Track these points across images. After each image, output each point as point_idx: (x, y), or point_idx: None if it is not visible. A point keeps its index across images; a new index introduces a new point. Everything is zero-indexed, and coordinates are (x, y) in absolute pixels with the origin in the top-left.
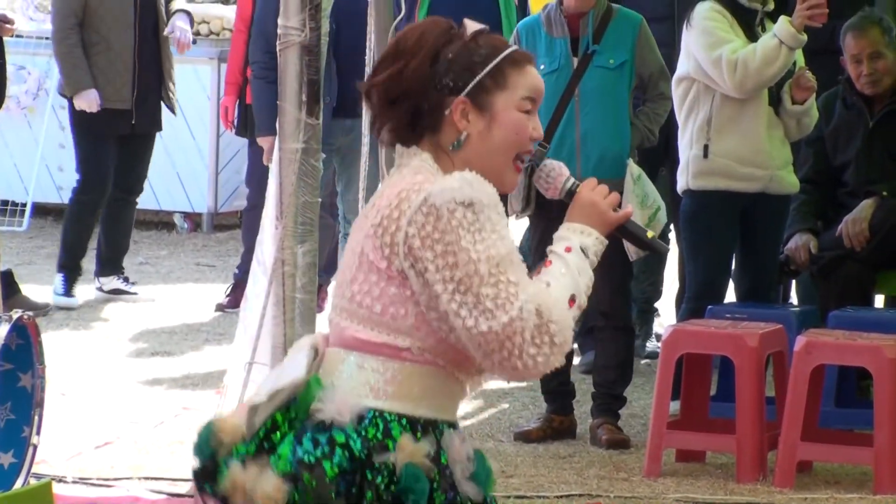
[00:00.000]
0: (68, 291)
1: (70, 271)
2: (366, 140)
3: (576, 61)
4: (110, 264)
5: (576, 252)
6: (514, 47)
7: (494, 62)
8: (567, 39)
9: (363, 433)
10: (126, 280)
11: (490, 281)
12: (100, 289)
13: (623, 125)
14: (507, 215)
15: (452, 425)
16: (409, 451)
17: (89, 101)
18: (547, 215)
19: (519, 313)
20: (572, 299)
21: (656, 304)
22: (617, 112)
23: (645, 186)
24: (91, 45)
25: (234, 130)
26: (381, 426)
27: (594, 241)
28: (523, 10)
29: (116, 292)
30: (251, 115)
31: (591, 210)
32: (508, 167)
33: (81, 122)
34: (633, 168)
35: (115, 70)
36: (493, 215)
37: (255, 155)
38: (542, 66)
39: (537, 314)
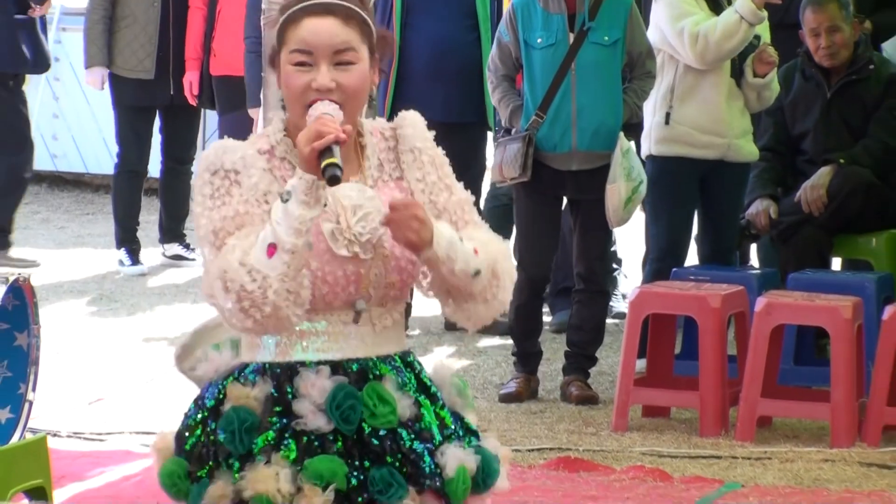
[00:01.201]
0: (135, 261)
1: (129, 243)
2: None
3: (572, 37)
4: (170, 232)
5: (276, 201)
6: (300, 6)
7: (279, 23)
8: (564, 15)
9: (221, 388)
10: (187, 247)
11: (207, 245)
12: (163, 254)
13: (617, 100)
14: (500, 181)
15: (309, 364)
16: (234, 395)
17: (94, 78)
18: (539, 182)
19: (210, 279)
20: (272, 247)
21: (623, 266)
22: (611, 87)
23: (632, 160)
24: (120, 19)
25: (197, 103)
26: (236, 378)
27: (297, 181)
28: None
29: (177, 258)
30: (216, 89)
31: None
32: (302, 119)
33: (115, 96)
34: (624, 142)
35: (139, 42)
36: (225, 183)
37: (225, 125)
38: (539, 41)
39: (221, 278)
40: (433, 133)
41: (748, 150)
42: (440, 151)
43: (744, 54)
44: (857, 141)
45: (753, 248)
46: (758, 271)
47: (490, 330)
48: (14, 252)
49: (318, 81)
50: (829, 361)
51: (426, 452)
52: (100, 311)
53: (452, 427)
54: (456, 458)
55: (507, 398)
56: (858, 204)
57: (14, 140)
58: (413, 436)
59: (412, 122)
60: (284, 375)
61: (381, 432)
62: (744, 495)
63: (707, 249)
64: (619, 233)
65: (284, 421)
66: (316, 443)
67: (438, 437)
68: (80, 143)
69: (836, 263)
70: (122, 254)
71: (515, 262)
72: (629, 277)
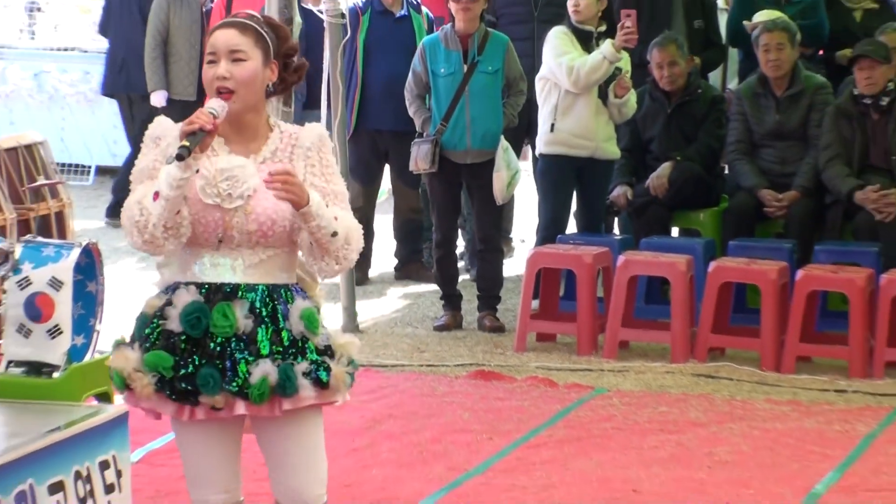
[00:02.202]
0: None
1: None
2: (324, 122)
3: (465, 67)
4: None
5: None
6: (216, 24)
7: None
8: (460, 52)
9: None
10: None
11: (132, 184)
12: None
13: (498, 112)
14: (416, 170)
15: (198, 287)
16: (146, 303)
17: (158, 98)
18: (444, 172)
19: (123, 209)
20: (156, 194)
21: (524, 234)
22: (495, 103)
23: (509, 155)
24: (170, 56)
25: None
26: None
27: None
28: (430, 31)
29: None
30: None
31: None
32: None
33: (166, 112)
34: (503, 142)
35: (184, 73)
36: (151, 145)
37: None
38: (442, 70)
39: (125, 209)
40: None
41: (611, 150)
42: (329, 154)
43: (608, 81)
44: (690, 144)
45: (616, 221)
46: (618, 237)
47: (427, 279)
48: (86, 224)
49: (218, 71)
50: (670, 301)
51: (243, 361)
52: (147, 266)
53: (287, 345)
54: (261, 371)
55: (439, 328)
56: (690, 189)
57: None
58: (242, 346)
59: (312, 131)
60: (172, 291)
61: (218, 339)
62: (609, 397)
63: (583, 222)
64: (518, 210)
65: (160, 321)
66: (172, 339)
67: (265, 351)
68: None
69: (675, 232)
70: None
71: (433, 228)
72: (526, 241)
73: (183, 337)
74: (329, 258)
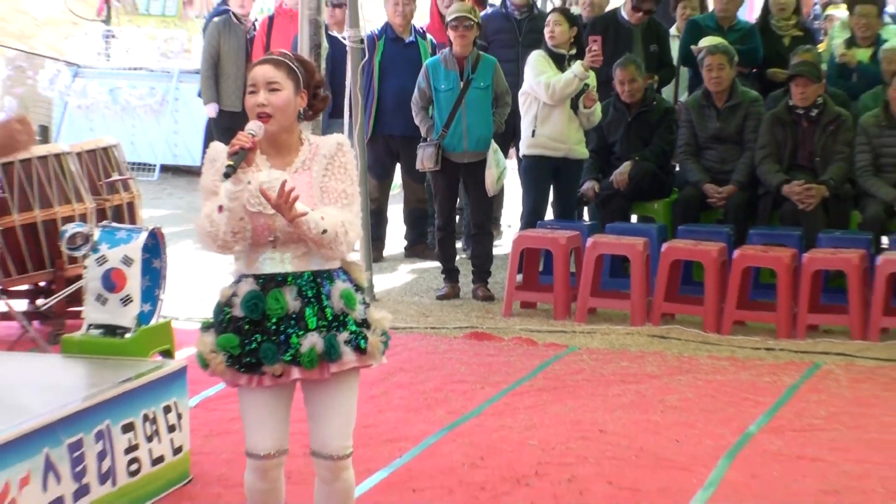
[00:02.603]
0: None
1: None
2: (346, 128)
3: (462, 84)
4: None
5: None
6: (254, 62)
7: None
8: (457, 71)
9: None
10: None
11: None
12: None
13: (489, 121)
14: (422, 169)
15: (255, 277)
16: (220, 291)
17: (211, 109)
18: (445, 170)
19: (196, 224)
20: (220, 207)
21: (510, 220)
22: (486, 113)
23: (498, 155)
24: (220, 75)
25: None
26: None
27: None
28: (434, 53)
29: None
30: None
31: None
32: None
33: (216, 120)
34: (493, 145)
35: (231, 89)
36: (207, 166)
37: None
38: (442, 86)
39: (198, 224)
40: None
41: (582, 151)
42: (343, 158)
43: (579, 95)
44: (646, 147)
45: (585, 210)
46: (587, 223)
47: (431, 257)
48: (152, 212)
49: (258, 100)
50: (630, 275)
51: (294, 335)
52: (201, 248)
53: (330, 319)
54: (310, 342)
55: (441, 297)
56: (647, 184)
57: None
58: (293, 323)
59: (331, 140)
60: (237, 282)
61: (273, 319)
62: (579, 354)
63: (558, 211)
64: (506, 200)
65: (228, 310)
66: (238, 323)
67: (313, 326)
68: (191, 147)
69: (634, 219)
70: None
71: (436, 215)
72: (512, 226)
73: (246, 320)
74: (324, 249)
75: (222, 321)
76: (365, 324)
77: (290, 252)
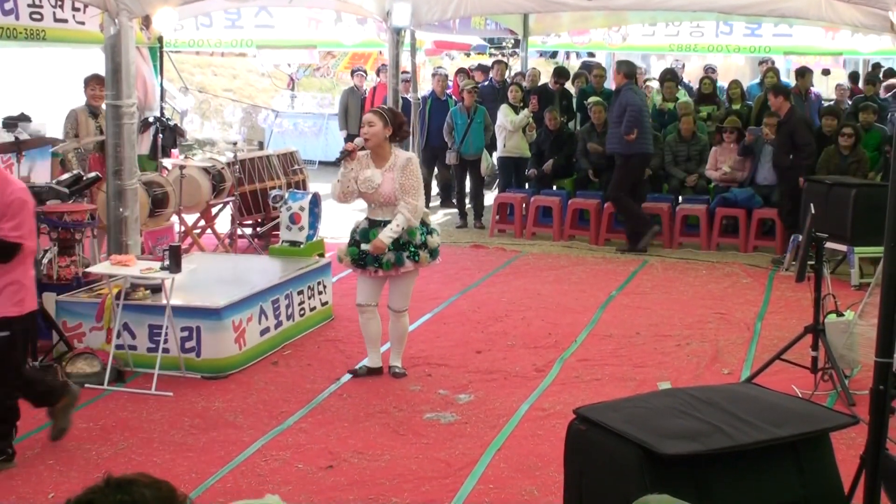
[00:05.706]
0: None
1: None
2: (412, 146)
3: (468, 120)
4: None
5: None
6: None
7: None
8: (465, 114)
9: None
10: None
11: None
12: None
13: (482, 138)
14: (450, 163)
15: (367, 220)
16: (355, 223)
17: (342, 133)
18: (461, 163)
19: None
20: (337, 181)
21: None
22: (480, 135)
23: (488, 155)
24: (348, 117)
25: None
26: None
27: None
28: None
29: None
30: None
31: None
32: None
33: (345, 139)
34: (484, 151)
35: (354, 123)
36: (350, 161)
37: None
38: (458, 122)
39: (334, 185)
40: (416, 157)
41: (528, 154)
42: (410, 166)
43: (527, 125)
44: (560, 152)
45: (528, 184)
46: (531, 190)
47: (452, 207)
48: (313, 186)
49: (363, 130)
50: (553, 216)
51: (409, 245)
52: (336, 205)
53: (401, 244)
54: (387, 257)
55: (458, 228)
56: (560, 171)
57: None
58: (402, 243)
59: (404, 155)
60: (361, 221)
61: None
62: (528, 256)
63: (516, 184)
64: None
65: (354, 235)
66: (357, 242)
67: (392, 247)
68: (333, 153)
69: (555, 188)
70: None
71: (455, 187)
72: (494, 192)
73: (361, 241)
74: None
75: (351, 239)
76: (423, 245)
77: (382, 210)
